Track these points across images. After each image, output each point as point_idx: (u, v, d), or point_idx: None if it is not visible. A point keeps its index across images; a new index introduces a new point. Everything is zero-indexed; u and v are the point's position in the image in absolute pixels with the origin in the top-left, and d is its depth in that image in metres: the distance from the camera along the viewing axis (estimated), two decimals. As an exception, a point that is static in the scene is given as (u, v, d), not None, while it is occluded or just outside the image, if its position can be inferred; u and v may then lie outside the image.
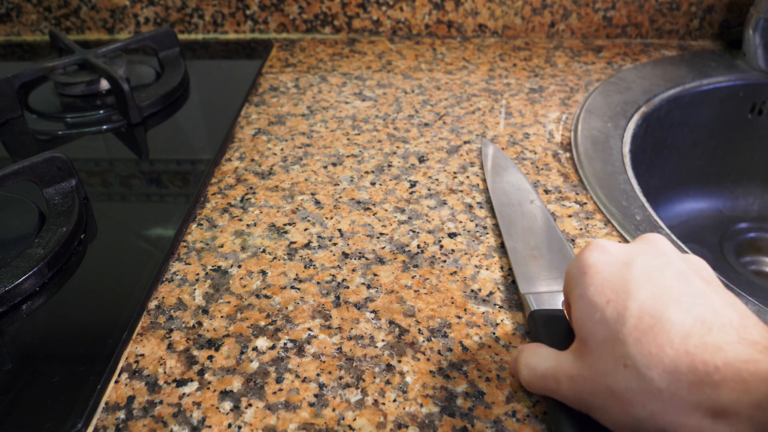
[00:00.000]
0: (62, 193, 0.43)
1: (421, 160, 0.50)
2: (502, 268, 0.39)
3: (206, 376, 0.32)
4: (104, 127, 0.55)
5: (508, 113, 0.57)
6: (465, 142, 0.52)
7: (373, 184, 0.47)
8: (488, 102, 0.59)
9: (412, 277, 0.38)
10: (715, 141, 0.66)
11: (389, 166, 0.49)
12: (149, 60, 0.67)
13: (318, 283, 0.38)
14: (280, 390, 0.31)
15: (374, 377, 0.32)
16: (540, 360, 0.28)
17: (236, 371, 0.32)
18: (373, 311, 0.36)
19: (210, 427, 0.29)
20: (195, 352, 0.33)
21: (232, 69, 0.68)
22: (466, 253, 0.40)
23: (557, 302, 0.34)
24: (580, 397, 0.26)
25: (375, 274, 0.38)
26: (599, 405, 0.25)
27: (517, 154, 0.51)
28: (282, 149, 0.52)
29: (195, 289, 0.38)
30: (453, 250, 0.40)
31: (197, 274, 0.39)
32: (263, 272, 0.39)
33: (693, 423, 0.21)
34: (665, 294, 0.24)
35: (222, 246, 0.41)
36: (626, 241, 0.40)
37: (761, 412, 0.20)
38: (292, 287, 0.38)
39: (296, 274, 0.39)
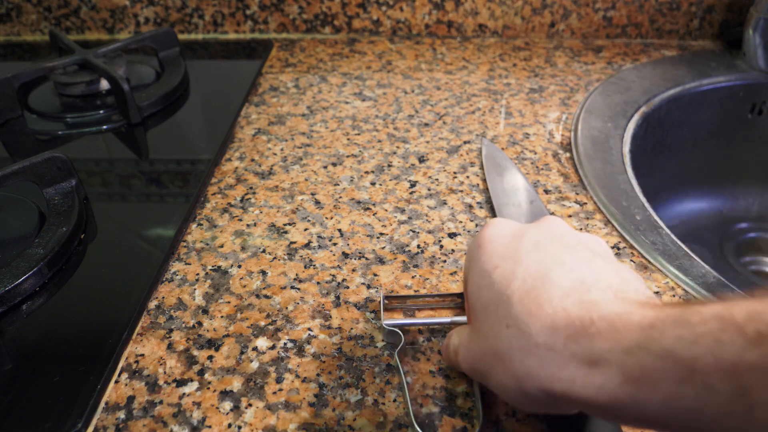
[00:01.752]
0: (62, 193, 0.43)
1: (421, 160, 0.50)
2: (502, 268, 0.39)
3: (206, 376, 0.32)
4: (104, 127, 0.55)
5: (508, 113, 0.57)
6: (465, 142, 0.52)
7: (373, 184, 0.47)
8: (488, 102, 0.59)
9: (412, 277, 0.38)
10: (715, 141, 0.66)
11: (389, 166, 0.49)
12: (149, 60, 0.67)
13: (318, 283, 0.38)
14: (280, 390, 0.31)
15: (374, 377, 0.32)
16: (454, 338, 0.29)
17: (236, 371, 0.32)
18: (373, 311, 0.36)
19: (210, 427, 0.29)
20: (195, 352, 0.33)
21: (232, 69, 0.68)
22: (466, 253, 0.40)
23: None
24: (472, 365, 0.27)
25: (375, 274, 0.38)
26: (487, 369, 0.25)
27: (517, 154, 0.51)
28: (282, 149, 0.52)
29: (195, 289, 0.38)
30: (453, 250, 0.40)
31: (197, 274, 0.39)
32: (263, 272, 0.39)
33: (568, 374, 0.22)
34: (551, 259, 0.25)
35: (222, 246, 0.41)
36: (625, 241, 0.40)
37: (630, 357, 0.20)
38: (292, 287, 0.38)
39: (296, 274, 0.39)
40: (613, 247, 0.40)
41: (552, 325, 0.22)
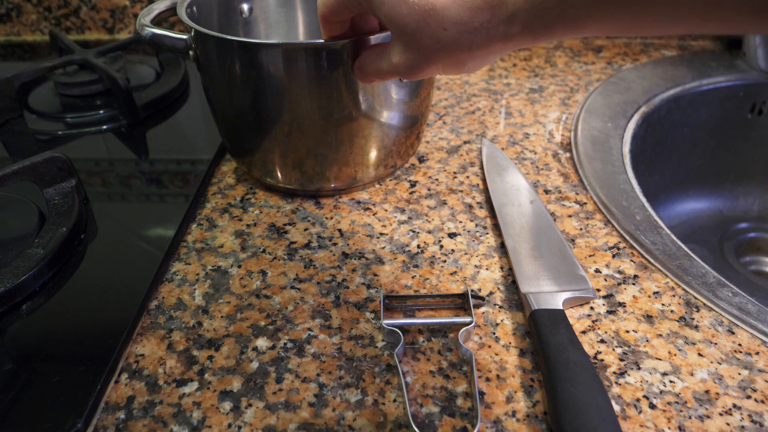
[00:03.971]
0: (62, 193, 0.43)
1: (421, 160, 0.50)
2: (502, 268, 0.39)
3: (206, 376, 0.32)
4: (104, 127, 0.55)
5: (508, 113, 0.57)
6: (465, 142, 0.52)
7: (372, 184, 0.47)
8: (488, 102, 0.59)
9: (412, 277, 0.38)
10: (715, 141, 0.66)
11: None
12: (149, 60, 0.67)
13: (318, 283, 0.38)
14: (280, 390, 0.31)
15: (374, 377, 0.32)
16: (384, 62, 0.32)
17: (236, 371, 0.32)
18: (373, 311, 0.36)
19: (210, 427, 0.29)
20: (195, 352, 0.33)
21: (232, 69, 0.67)
22: (466, 253, 0.40)
23: (557, 302, 0.34)
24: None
25: (375, 274, 0.38)
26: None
27: (517, 154, 0.51)
28: (282, 149, 0.52)
29: (195, 289, 0.38)
30: (453, 250, 0.40)
31: (197, 274, 0.39)
32: (263, 272, 0.39)
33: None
34: None
35: (222, 246, 0.41)
36: (625, 241, 0.40)
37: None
38: (292, 287, 0.38)
39: (296, 274, 0.39)
40: (613, 247, 0.40)
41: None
